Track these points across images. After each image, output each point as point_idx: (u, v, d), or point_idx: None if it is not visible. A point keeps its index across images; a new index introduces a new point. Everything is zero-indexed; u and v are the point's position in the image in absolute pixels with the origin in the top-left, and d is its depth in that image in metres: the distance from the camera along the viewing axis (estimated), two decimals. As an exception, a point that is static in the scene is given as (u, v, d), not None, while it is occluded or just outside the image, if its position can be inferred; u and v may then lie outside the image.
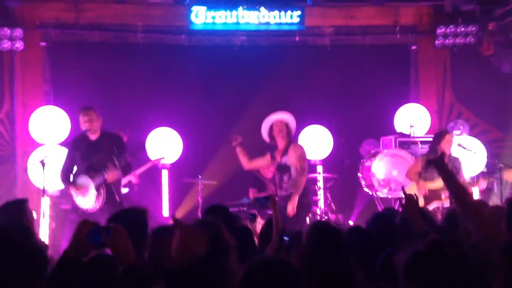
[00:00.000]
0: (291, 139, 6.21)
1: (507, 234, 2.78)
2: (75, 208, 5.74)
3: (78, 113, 5.92)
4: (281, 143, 6.10)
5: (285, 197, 5.95)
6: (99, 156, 5.75)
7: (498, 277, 2.16)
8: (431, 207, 6.29)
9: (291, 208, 5.82)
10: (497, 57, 8.30)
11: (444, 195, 6.30)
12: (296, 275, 1.88)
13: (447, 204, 6.25)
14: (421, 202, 6.34)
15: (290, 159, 6.00)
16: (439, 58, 8.66)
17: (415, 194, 3.29)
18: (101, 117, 5.91)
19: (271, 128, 6.11)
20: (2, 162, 7.93)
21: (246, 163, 6.28)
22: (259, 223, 5.79)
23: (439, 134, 6.58)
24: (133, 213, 3.13)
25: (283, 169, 6.04)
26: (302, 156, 6.06)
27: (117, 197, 5.80)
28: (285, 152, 6.05)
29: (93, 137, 5.82)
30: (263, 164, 6.42)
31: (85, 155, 5.76)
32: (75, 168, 5.85)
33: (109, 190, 5.70)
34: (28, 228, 3.63)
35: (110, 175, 5.65)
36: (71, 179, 5.80)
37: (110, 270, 2.56)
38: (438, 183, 6.26)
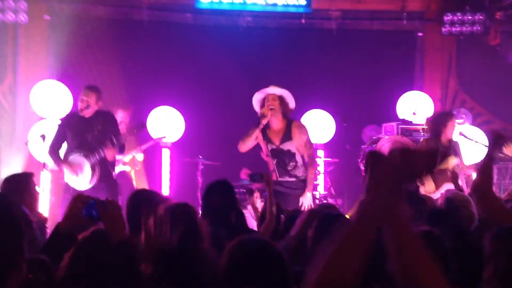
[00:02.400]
0: (290, 118, 5.56)
1: None
2: (67, 188, 5.71)
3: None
4: (276, 123, 5.50)
5: (289, 182, 5.44)
6: (92, 135, 5.72)
7: (488, 264, 2.15)
8: (443, 189, 6.28)
9: (306, 206, 5.25)
10: (503, 46, 8.25)
11: (451, 174, 6.26)
12: (277, 257, 1.89)
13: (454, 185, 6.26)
14: (432, 187, 6.39)
15: (295, 145, 5.47)
16: (445, 46, 8.61)
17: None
18: (101, 102, 5.80)
19: (263, 101, 5.50)
20: (3, 135, 7.93)
21: (245, 146, 5.61)
22: (256, 197, 5.77)
23: (444, 118, 6.34)
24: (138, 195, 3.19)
25: (286, 155, 5.48)
26: (309, 140, 5.50)
27: (113, 175, 5.85)
28: (286, 135, 5.48)
29: (87, 114, 5.75)
30: (253, 144, 5.67)
31: (76, 132, 5.71)
32: (64, 145, 5.79)
33: (104, 168, 5.70)
34: (12, 200, 3.66)
35: (109, 154, 5.63)
36: (61, 156, 5.74)
37: (105, 246, 2.58)
38: (444, 164, 6.25)
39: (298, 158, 5.51)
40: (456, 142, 6.49)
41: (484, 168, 3.02)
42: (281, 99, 5.48)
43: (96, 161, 5.62)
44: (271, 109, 5.42)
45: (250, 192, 4.70)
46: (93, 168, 5.64)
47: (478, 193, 2.95)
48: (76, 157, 5.67)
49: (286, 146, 5.50)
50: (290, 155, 5.49)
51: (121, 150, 5.88)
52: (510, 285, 2.07)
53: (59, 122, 5.96)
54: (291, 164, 5.48)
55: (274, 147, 5.55)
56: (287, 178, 5.48)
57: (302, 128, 5.61)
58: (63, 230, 2.54)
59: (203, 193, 3.78)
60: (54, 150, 5.79)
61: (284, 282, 1.87)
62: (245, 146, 5.58)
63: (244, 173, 7.38)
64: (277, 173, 5.49)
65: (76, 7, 8.01)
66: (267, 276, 1.83)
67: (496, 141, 3.29)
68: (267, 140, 5.57)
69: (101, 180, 5.67)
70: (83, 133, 5.72)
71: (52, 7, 7.96)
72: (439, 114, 6.88)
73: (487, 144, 7.19)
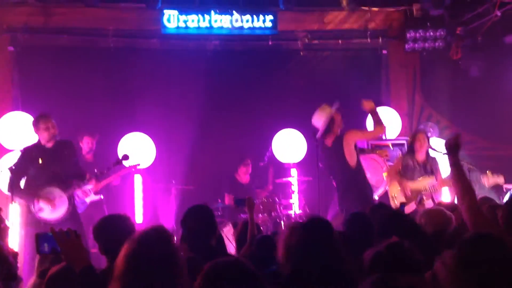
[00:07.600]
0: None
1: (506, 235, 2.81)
2: (35, 221, 5.56)
3: (36, 121, 5.74)
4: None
5: None
6: (60, 165, 5.65)
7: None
8: (409, 208, 6.41)
9: None
10: (465, 60, 8.47)
11: (426, 196, 6.42)
12: (253, 275, 1.88)
13: (429, 204, 6.38)
14: (400, 201, 6.51)
15: None
16: (409, 62, 8.81)
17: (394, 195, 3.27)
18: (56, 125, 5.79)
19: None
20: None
21: None
22: (229, 230, 5.77)
23: (412, 136, 6.81)
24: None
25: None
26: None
27: (77, 208, 5.89)
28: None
29: (49, 144, 5.68)
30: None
31: (44, 164, 5.61)
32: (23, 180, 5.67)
33: (73, 201, 5.74)
34: None
35: (95, 186, 5.76)
36: (23, 189, 5.62)
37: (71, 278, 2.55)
38: (419, 184, 6.42)
39: None
40: (433, 158, 6.65)
41: (464, 189, 3.01)
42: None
43: (72, 193, 5.66)
44: None
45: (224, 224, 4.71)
46: (69, 200, 5.61)
47: (470, 216, 2.94)
48: (53, 190, 5.58)
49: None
50: None
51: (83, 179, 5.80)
52: None
53: (20, 156, 5.77)
54: None
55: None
56: None
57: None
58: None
59: (183, 217, 3.73)
60: (16, 186, 5.60)
61: None
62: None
63: (228, 199, 7.41)
64: None
65: (40, 37, 7.94)
66: None
67: (452, 150, 3.20)
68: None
69: (71, 212, 5.65)
70: (49, 165, 5.61)
71: (16, 38, 7.87)
72: (412, 132, 7.14)
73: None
